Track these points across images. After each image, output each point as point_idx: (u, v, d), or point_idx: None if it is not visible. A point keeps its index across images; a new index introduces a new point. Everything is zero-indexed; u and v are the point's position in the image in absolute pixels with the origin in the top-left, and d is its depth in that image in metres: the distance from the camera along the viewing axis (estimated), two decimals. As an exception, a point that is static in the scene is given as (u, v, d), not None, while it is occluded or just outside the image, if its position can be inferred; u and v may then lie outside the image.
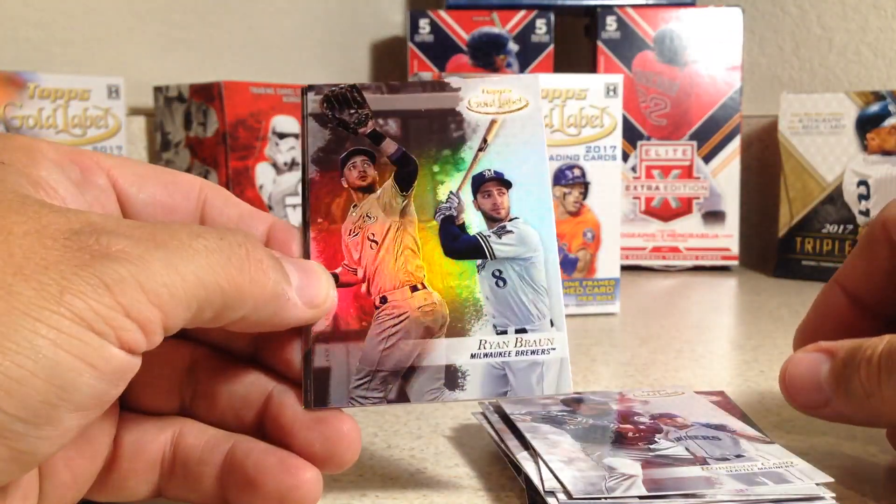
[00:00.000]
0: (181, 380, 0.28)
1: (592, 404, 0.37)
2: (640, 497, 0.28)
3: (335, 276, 0.28)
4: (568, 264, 0.64)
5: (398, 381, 0.28)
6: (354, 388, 0.28)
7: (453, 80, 0.31)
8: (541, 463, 0.30)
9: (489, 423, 0.35)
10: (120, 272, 0.20)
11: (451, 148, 0.30)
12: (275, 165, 0.80)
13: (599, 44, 0.89)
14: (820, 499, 0.28)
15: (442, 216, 0.30)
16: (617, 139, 0.64)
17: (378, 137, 0.30)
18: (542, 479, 0.29)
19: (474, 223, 0.30)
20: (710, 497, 0.28)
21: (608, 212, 0.65)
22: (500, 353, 0.29)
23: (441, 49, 0.92)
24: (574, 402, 0.37)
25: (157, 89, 0.81)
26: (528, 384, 0.29)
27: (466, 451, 0.35)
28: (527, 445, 0.32)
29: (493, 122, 0.31)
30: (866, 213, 0.80)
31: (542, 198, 0.30)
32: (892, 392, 0.28)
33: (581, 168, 0.64)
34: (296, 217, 0.81)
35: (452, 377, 0.28)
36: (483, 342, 0.29)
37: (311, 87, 0.31)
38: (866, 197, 0.80)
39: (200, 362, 0.28)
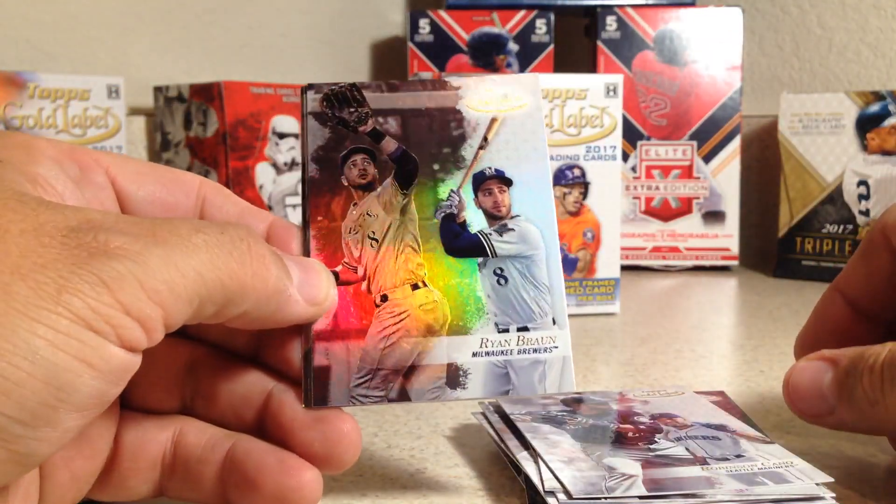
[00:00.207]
0: (181, 378, 0.28)
1: (592, 404, 0.37)
2: (640, 497, 0.28)
3: (335, 275, 0.28)
4: (568, 264, 0.64)
5: (399, 380, 0.28)
6: (355, 387, 0.28)
7: (453, 79, 0.31)
8: (541, 463, 0.30)
9: (489, 423, 0.35)
10: (119, 269, 0.20)
11: (451, 146, 0.30)
12: (275, 165, 0.80)
13: (599, 44, 0.89)
14: (820, 499, 0.28)
15: (443, 214, 0.30)
16: (617, 139, 0.64)
17: (378, 136, 0.30)
18: (542, 479, 0.29)
19: (475, 221, 0.30)
20: (710, 497, 0.28)
21: (608, 212, 0.65)
22: (502, 352, 0.29)
23: (441, 49, 0.92)
24: (574, 402, 0.37)
25: (157, 89, 0.81)
26: (531, 383, 0.28)
27: (466, 451, 0.35)
28: (527, 445, 0.32)
29: (493, 121, 0.31)
30: (866, 213, 0.80)
31: (544, 196, 0.30)
32: None
33: (581, 168, 0.64)
34: (296, 217, 0.81)
35: (454, 376, 0.28)
36: (485, 340, 0.29)
37: (310, 86, 0.31)
38: (866, 197, 0.80)
39: (200, 361, 0.28)
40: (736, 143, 0.88)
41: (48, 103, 0.71)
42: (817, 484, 0.29)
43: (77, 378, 0.19)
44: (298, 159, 0.81)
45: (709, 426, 0.34)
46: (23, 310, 0.19)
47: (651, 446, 0.32)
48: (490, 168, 0.30)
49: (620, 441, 0.32)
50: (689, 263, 0.88)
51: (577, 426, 0.34)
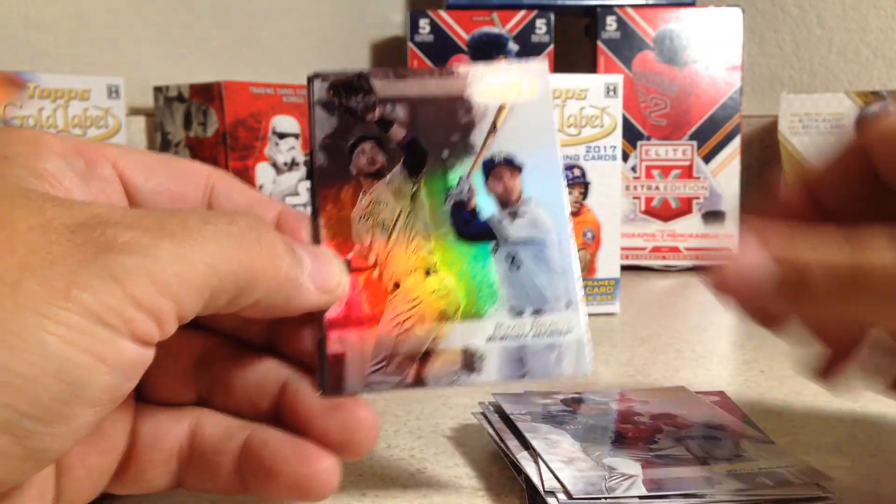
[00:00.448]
0: (195, 370, 0.28)
1: (592, 404, 0.37)
2: (640, 497, 0.28)
3: (347, 263, 0.28)
4: (568, 264, 0.64)
5: (415, 366, 0.28)
6: (370, 374, 0.28)
7: (461, 67, 0.31)
8: (541, 463, 0.30)
9: (489, 423, 0.35)
10: (128, 264, 0.20)
11: (460, 133, 0.30)
12: (275, 165, 0.80)
13: (599, 44, 0.89)
14: (820, 499, 0.28)
15: (453, 201, 0.30)
16: (617, 139, 0.64)
17: (386, 124, 0.30)
18: (542, 479, 0.29)
19: (486, 207, 0.30)
20: (710, 497, 0.28)
21: (608, 212, 0.64)
22: (517, 336, 0.29)
23: (441, 49, 0.92)
24: (574, 402, 0.37)
25: (157, 89, 0.81)
26: (546, 366, 0.28)
27: (466, 451, 0.35)
28: (527, 445, 0.32)
29: (501, 108, 0.30)
30: (866, 213, 0.80)
31: (554, 180, 0.30)
32: (847, 299, 0.26)
33: (581, 168, 0.64)
34: (296, 217, 0.81)
35: (469, 361, 0.28)
36: (499, 325, 0.29)
37: (317, 75, 0.30)
38: (866, 197, 0.80)
39: (214, 352, 0.28)
40: (736, 143, 0.88)
41: (48, 103, 0.71)
42: (817, 484, 0.29)
43: (89, 373, 0.19)
44: (298, 159, 0.81)
45: (709, 426, 0.34)
46: (33, 307, 0.19)
47: (651, 446, 0.32)
48: (500, 154, 0.30)
49: (620, 441, 0.32)
50: (689, 263, 0.88)
51: (577, 426, 0.34)
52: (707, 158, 0.88)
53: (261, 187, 0.79)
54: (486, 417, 0.36)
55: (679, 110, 0.88)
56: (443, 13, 0.91)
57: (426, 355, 0.28)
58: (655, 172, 0.88)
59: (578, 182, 0.64)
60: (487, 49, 0.92)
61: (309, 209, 0.30)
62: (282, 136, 0.80)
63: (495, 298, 0.29)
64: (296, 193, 0.82)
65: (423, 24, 0.91)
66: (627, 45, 0.88)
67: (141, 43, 0.87)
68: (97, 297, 0.19)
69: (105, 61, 0.84)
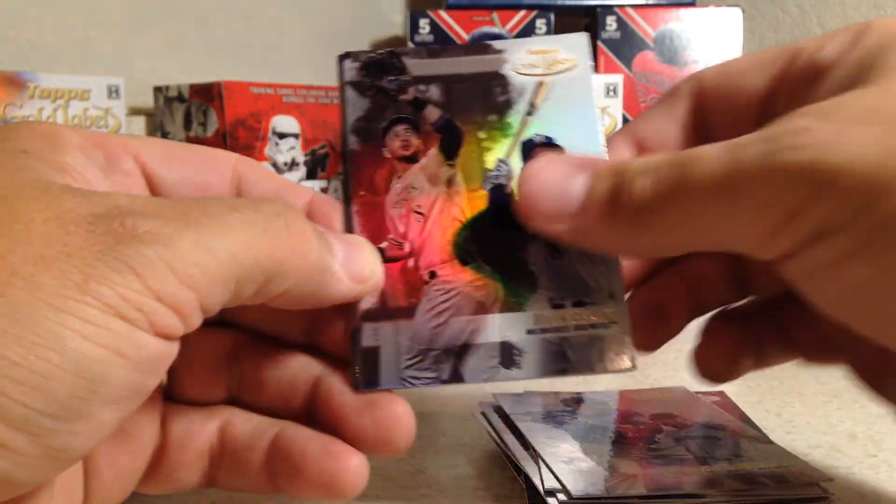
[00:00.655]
0: (224, 368, 0.27)
1: (592, 404, 0.37)
2: (640, 497, 0.28)
3: (381, 251, 0.27)
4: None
5: (451, 360, 0.27)
6: (405, 368, 0.26)
7: (496, 43, 0.29)
8: (541, 463, 0.30)
9: (489, 423, 0.35)
10: (147, 254, 0.19)
11: (497, 113, 0.29)
12: (275, 165, 0.80)
13: (599, 44, 0.89)
14: (820, 499, 0.28)
15: (491, 185, 0.28)
16: (617, 139, 0.64)
17: (420, 104, 0.29)
18: (542, 479, 0.29)
19: None
20: (710, 497, 0.28)
21: (608, 212, 0.64)
22: (557, 329, 0.27)
23: (441, 49, 0.92)
24: (574, 402, 0.37)
25: (157, 89, 0.81)
26: (587, 360, 0.27)
27: (466, 451, 0.35)
28: (527, 445, 0.32)
29: (540, 85, 0.29)
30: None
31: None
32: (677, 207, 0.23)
33: (581, 168, 0.64)
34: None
35: (508, 355, 0.27)
36: (539, 317, 0.27)
37: (348, 54, 0.29)
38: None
39: (243, 349, 0.27)
40: (736, 143, 0.88)
41: (48, 103, 0.71)
42: (817, 484, 0.29)
43: (108, 369, 0.19)
44: (298, 159, 0.81)
45: (709, 426, 0.34)
46: (49, 300, 0.18)
47: (651, 446, 0.32)
48: (539, 135, 0.29)
49: (620, 441, 0.32)
50: (689, 263, 0.88)
51: (577, 426, 0.34)
52: (707, 158, 0.88)
53: (261, 187, 0.79)
54: (486, 417, 0.36)
55: (679, 110, 0.88)
56: (443, 13, 0.91)
57: (463, 349, 0.27)
58: (655, 172, 0.88)
59: (578, 182, 0.64)
60: (487, 49, 0.92)
61: (340, 195, 0.28)
62: (282, 136, 0.80)
63: (535, 289, 0.27)
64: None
65: (423, 24, 0.91)
66: (627, 45, 0.88)
67: (141, 43, 0.87)
68: (115, 289, 0.19)
69: (105, 61, 0.84)
